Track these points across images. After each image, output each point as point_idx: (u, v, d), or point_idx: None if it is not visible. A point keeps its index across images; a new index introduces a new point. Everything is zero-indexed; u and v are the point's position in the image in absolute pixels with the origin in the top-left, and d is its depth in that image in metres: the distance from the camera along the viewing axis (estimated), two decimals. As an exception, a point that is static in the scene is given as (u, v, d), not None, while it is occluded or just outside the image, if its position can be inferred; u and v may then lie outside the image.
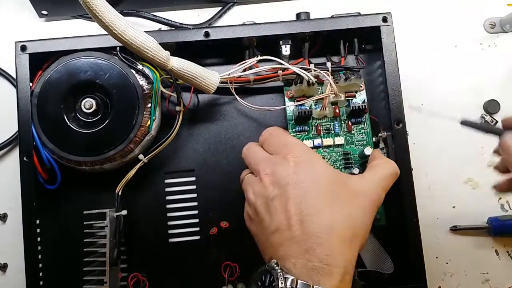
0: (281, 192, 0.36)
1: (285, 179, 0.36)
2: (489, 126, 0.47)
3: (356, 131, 0.46)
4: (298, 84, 0.45)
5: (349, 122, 0.46)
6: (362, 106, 0.44)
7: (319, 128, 0.46)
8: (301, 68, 0.44)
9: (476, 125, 0.44)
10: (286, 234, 0.34)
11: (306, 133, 0.46)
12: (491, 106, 0.50)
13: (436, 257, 0.49)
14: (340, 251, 0.33)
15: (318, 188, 0.35)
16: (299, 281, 0.31)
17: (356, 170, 0.45)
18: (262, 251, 0.38)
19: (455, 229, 0.49)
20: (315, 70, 0.44)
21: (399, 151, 0.43)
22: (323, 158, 0.45)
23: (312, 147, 0.45)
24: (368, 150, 0.44)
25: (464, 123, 0.44)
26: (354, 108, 0.44)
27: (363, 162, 0.45)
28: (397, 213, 0.44)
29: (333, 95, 0.44)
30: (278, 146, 0.40)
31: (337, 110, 0.46)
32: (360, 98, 0.46)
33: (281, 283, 0.31)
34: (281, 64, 0.44)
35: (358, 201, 0.36)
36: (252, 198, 0.38)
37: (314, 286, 0.31)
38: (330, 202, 0.35)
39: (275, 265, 0.32)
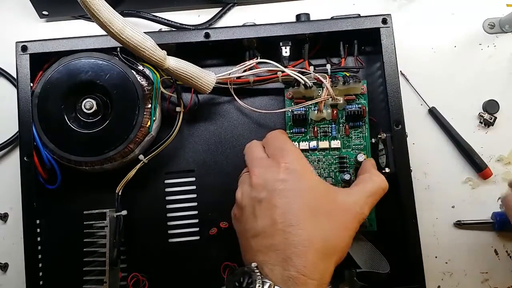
0: (268, 198, 0.36)
1: (272, 184, 0.37)
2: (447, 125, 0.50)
3: (354, 135, 0.46)
4: (295, 87, 0.45)
5: (347, 126, 0.46)
6: (357, 112, 0.44)
7: (315, 130, 0.46)
8: (299, 70, 0.44)
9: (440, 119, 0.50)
10: (266, 241, 0.35)
11: (303, 134, 0.46)
12: (490, 106, 0.51)
13: (436, 257, 0.49)
14: (316, 264, 0.34)
15: (304, 200, 0.36)
16: (276, 287, 0.32)
17: (347, 176, 0.45)
18: (243, 251, 0.38)
19: (459, 224, 0.49)
20: (314, 73, 0.44)
21: (398, 152, 0.43)
22: (318, 161, 0.46)
23: (307, 149, 0.46)
24: (360, 157, 0.45)
25: (431, 112, 0.50)
26: (348, 113, 0.45)
27: (358, 167, 0.45)
28: (396, 214, 0.44)
29: (330, 99, 0.44)
30: (275, 149, 0.40)
31: (335, 113, 0.46)
32: (359, 102, 0.46)
33: (259, 285, 0.32)
34: (277, 67, 0.44)
35: (341, 217, 0.36)
36: (239, 197, 0.39)
37: None
38: (313, 215, 0.35)
39: (255, 268, 0.34)
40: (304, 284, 0.32)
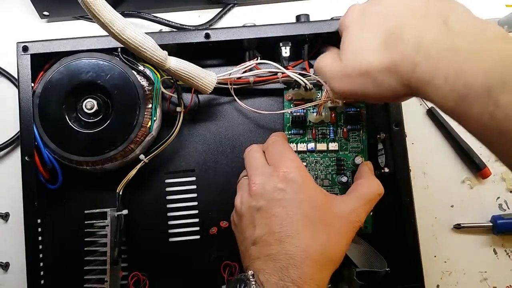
0: (266, 207, 0.36)
1: (271, 194, 0.37)
2: None
3: (352, 138, 0.46)
4: (295, 88, 0.45)
5: (345, 129, 0.46)
6: (355, 113, 0.44)
7: (314, 132, 0.46)
8: (299, 73, 0.44)
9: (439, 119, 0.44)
10: (264, 250, 0.35)
11: (301, 136, 0.47)
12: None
13: (435, 256, 0.50)
14: (312, 275, 0.34)
15: (301, 210, 0.36)
16: None
17: (344, 179, 0.45)
18: (242, 257, 0.39)
19: (458, 227, 0.50)
20: (315, 76, 0.44)
21: (397, 152, 0.44)
22: (316, 162, 0.46)
23: (305, 151, 0.46)
24: (358, 159, 0.45)
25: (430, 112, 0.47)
26: (347, 116, 0.45)
27: (355, 170, 0.45)
28: (395, 213, 0.44)
29: (329, 102, 0.45)
30: (275, 156, 0.40)
31: (333, 116, 0.46)
32: (357, 105, 0.46)
33: None
34: (278, 68, 0.44)
35: (338, 226, 0.36)
36: (239, 205, 0.39)
37: None
38: (310, 225, 0.35)
39: (251, 276, 0.34)
40: None
